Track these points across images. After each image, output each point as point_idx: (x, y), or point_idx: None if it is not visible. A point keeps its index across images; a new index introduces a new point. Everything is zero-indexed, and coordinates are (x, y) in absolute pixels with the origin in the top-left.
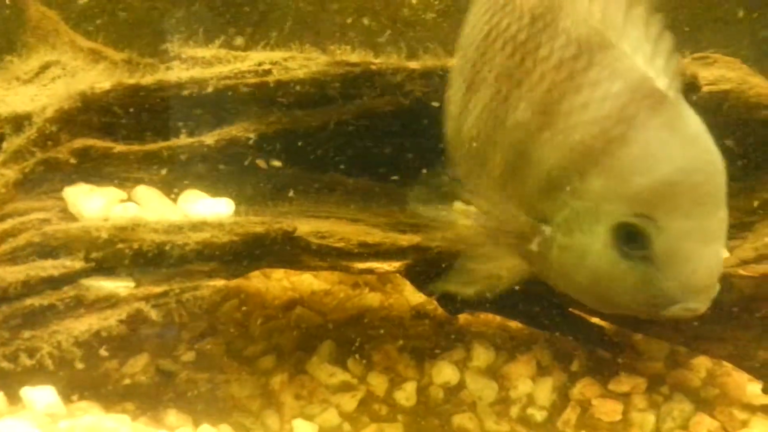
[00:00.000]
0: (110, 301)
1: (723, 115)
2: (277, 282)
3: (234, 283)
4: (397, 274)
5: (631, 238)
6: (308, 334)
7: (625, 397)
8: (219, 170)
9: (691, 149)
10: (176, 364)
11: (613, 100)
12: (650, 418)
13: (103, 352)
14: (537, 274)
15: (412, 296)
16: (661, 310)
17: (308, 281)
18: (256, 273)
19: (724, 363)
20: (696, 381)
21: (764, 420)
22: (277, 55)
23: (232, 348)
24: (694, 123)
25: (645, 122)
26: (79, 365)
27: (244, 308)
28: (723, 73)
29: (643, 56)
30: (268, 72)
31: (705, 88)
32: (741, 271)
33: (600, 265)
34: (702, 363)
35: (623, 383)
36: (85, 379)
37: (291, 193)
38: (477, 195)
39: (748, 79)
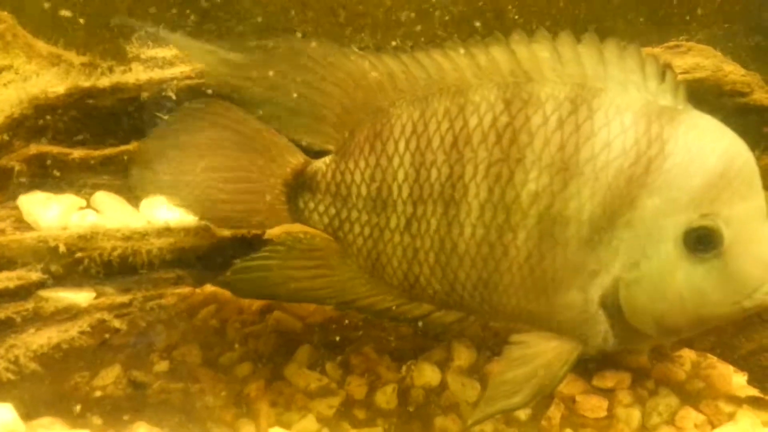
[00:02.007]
0: (70, 313)
1: (698, 103)
2: None
3: (210, 288)
4: None
5: (701, 240)
6: (286, 339)
7: (609, 393)
8: None
9: (724, 141)
10: (149, 374)
11: (633, 129)
12: (636, 414)
13: (71, 365)
14: (595, 342)
15: None
16: (745, 302)
17: None
18: None
19: (709, 355)
20: (681, 374)
21: (750, 412)
22: None
23: (208, 356)
24: (712, 122)
25: (674, 134)
26: (44, 379)
27: (220, 315)
28: (697, 61)
29: (635, 86)
30: None
31: (680, 77)
32: None
33: (677, 280)
34: (687, 356)
35: (607, 379)
36: (52, 393)
37: None
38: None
39: (722, 66)
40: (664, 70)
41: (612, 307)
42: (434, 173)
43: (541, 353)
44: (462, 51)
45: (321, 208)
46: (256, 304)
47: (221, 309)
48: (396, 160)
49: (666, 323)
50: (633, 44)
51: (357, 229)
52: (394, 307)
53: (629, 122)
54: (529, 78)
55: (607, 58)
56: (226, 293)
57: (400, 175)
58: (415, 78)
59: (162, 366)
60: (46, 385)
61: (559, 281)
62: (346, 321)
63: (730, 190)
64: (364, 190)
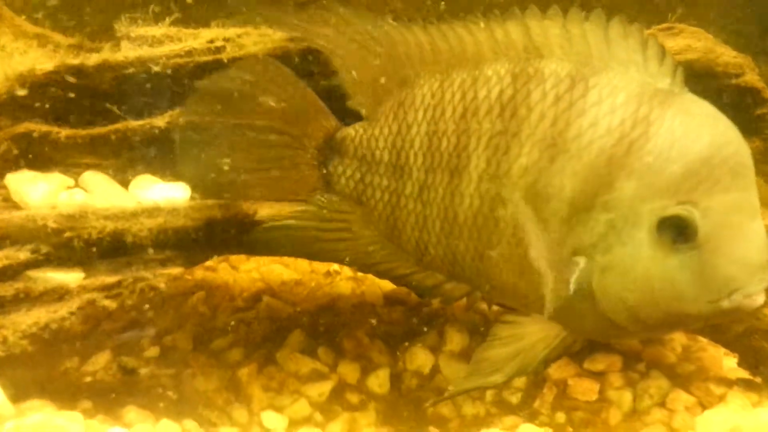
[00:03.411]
0: (59, 293)
1: (689, 85)
2: (246, 273)
3: (200, 275)
4: None
5: (677, 230)
6: (278, 325)
7: (601, 376)
8: (172, 153)
9: (713, 127)
10: (140, 359)
11: (623, 108)
12: (627, 396)
13: (62, 349)
14: (575, 327)
15: (385, 284)
16: (724, 302)
17: (278, 271)
18: (224, 265)
19: (700, 338)
20: (672, 357)
21: (741, 394)
22: (231, 31)
23: (199, 341)
24: (707, 107)
25: (661, 116)
26: (33, 362)
27: (211, 301)
28: (689, 43)
29: (635, 67)
30: (221, 49)
31: None
32: None
33: (650, 270)
34: (677, 338)
35: (599, 362)
36: (42, 377)
37: None
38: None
39: (714, 48)
40: (664, 51)
41: (587, 292)
42: (444, 143)
43: (526, 334)
44: (482, 25)
45: (348, 172)
46: (248, 291)
47: (211, 295)
48: (414, 129)
49: (638, 315)
50: (636, 24)
51: (378, 194)
52: (409, 275)
53: (620, 102)
54: (539, 54)
55: (611, 37)
56: (217, 279)
57: (417, 143)
58: (440, 50)
59: (153, 351)
60: (35, 368)
61: (539, 259)
62: (338, 307)
63: (711, 179)
64: (386, 156)
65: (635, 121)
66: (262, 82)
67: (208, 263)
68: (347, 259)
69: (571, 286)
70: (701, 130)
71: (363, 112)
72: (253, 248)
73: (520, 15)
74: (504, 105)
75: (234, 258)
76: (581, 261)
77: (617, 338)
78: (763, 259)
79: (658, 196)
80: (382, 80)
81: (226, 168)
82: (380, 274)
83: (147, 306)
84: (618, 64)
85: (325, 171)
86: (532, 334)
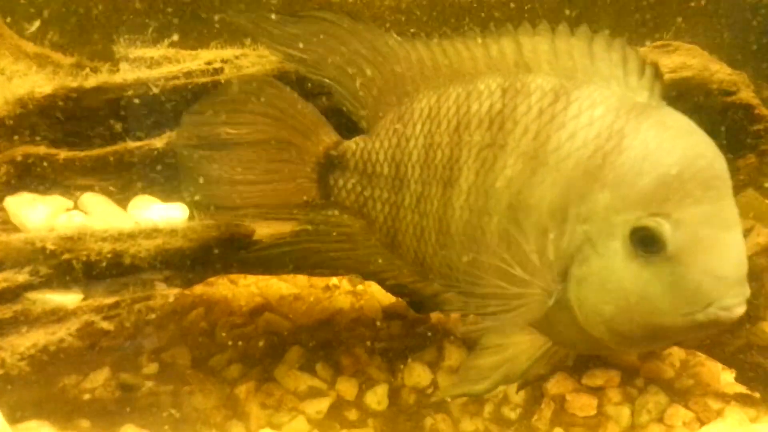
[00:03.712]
0: (58, 315)
1: (685, 102)
2: (244, 288)
3: (200, 290)
4: None
5: (648, 241)
6: (276, 341)
7: (599, 391)
8: (170, 174)
9: (687, 140)
10: (138, 377)
11: (600, 121)
12: (625, 412)
13: (60, 367)
14: (558, 337)
15: (384, 297)
16: (699, 315)
17: (277, 286)
18: (223, 280)
19: (697, 353)
20: (670, 372)
21: (738, 409)
22: (228, 52)
23: (198, 358)
24: (683, 120)
25: (636, 128)
26: (31, 382)
27: (210, 317)
28: (684, 60)
29: (616, 81)
30: (220, 71)
31: (666, 76)
32: None
33: (625, 282)
34: (675, 353)
35: (597, 377)
36: (40, 396)
37: None
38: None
39: (709, 65)
40: (644, 65)
41: (567, 304)
42: (439, 155)
43: (513, 344)
44: (479, 41)
45: (349, 185)
46: (247, 306)
47: (210, 311)
48: (412, 142)
49: (616, 328)
50: (619, 39)
51: (378, 206)
52: (410, 284)
53: (598, 115)
54: (528, 69)
55: (595, 52)
56: (216, 295)
57: (414, 156)
58: (439, 65)
59: (151, 368)
60: (33, 388)
61: (522, 271)
62: (336, 323)
63: (683, 191)
64: (386, 170)
65: (610, 133)
66: (260, 98)
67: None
68: (349, 269)
69: (552, 298)
70: (675, 142)
71: (363, 125)
72: (252, 267)
73: (513, 31)
74: (493, 118)
75: None
76: (561, 274)
77: (600, 351)
78: (738, 272)
79: (631, 207)
80: (384, 94)
81: (226, 184)
82: (381, 283)
83: (146, 323)
84: (600, 78)
85: (325, 184)
86: (517, 345)
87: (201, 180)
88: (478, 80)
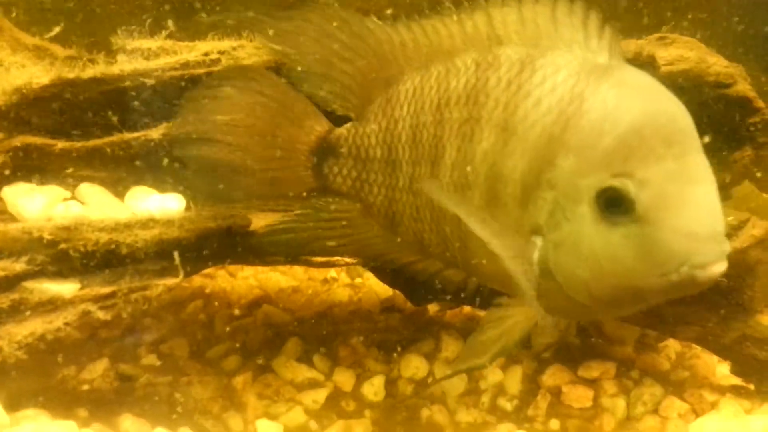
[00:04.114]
0: (55, 304)
1: (682, 94)
2: (243, 281)
3: (198, 282)
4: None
5: (614, 203)
6: (275, 332)
7: (595, 383)
8: (166, 165)
9: (646, 97)
10: (137, 368)
11: (562, 86)
12: (621, 403)
13: (58, 357)
14: (548, 307)
15: (382, 290)
16: (673, 275)
17: (275, 279)
18: (222, 272)
19: (693, 345)
20: (665, 364)
21: (733, 401)
22: (226, 44)
23: (196, 349)
24: (644, 78)
25: (595, 90)
26: (30, 372)
27: (208, 308)
28: (681, 52)
29: (578, 45)
30: (216, 62)
31: (663, 68)
32: None
33: (596, 245)
34: (671, 346)
35: (593, 369)
36: (39, 386)
37: None
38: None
39: (706, 58)
40: (604, 27)
41: (548, 271)
42: (425, 134)
43: (509, 317)
44: (455, 18)
45: (344, 171)
46: (245, 298)
47: (209, 303)
48: (400, 124)
49: (594, 292)
50: (580, 2)
51: (375, 189)
52: (411, 264)
53: (560, 81)
54: (500, 41)
55: (558, 17)
56: (214, 287)
57: (403, 138)
58: (420, 46)
59: (150, 359)
60: (32, 377)
61: (504, 242)
62: (334, 315)
63: (645, 149)
64: (379, 153)
65: (572, 97)
66: (253, 89)
67: (206, 270)
68: (352, 252)
69: (536, 267)
70: (633, 101)
71: (352, 114)
72: (250, 257)
73: (484, 4)
74: (469, 93)
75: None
76: (538, 240)
77: (589, 317)
78: (711, 227)
79: (594, 170)
80: (370, 80)
81: (222, 173)
82: (384, 264)
83: (143, 314)
84: (563, 43)
85: (320, 172)
86: (513, 316)
87: (195, 171)
88: (456, 57)
